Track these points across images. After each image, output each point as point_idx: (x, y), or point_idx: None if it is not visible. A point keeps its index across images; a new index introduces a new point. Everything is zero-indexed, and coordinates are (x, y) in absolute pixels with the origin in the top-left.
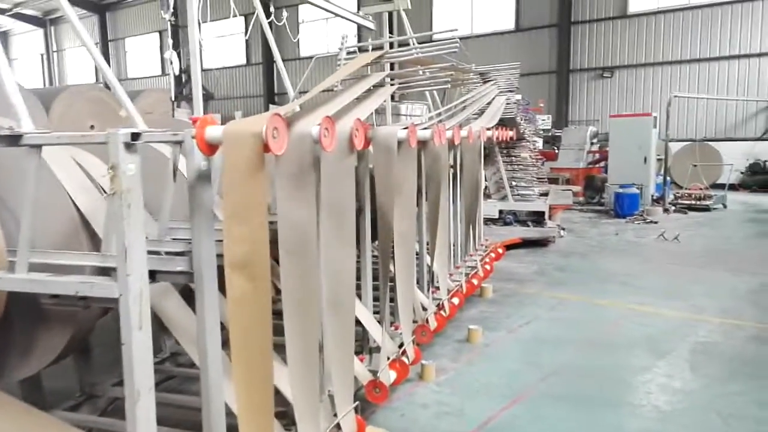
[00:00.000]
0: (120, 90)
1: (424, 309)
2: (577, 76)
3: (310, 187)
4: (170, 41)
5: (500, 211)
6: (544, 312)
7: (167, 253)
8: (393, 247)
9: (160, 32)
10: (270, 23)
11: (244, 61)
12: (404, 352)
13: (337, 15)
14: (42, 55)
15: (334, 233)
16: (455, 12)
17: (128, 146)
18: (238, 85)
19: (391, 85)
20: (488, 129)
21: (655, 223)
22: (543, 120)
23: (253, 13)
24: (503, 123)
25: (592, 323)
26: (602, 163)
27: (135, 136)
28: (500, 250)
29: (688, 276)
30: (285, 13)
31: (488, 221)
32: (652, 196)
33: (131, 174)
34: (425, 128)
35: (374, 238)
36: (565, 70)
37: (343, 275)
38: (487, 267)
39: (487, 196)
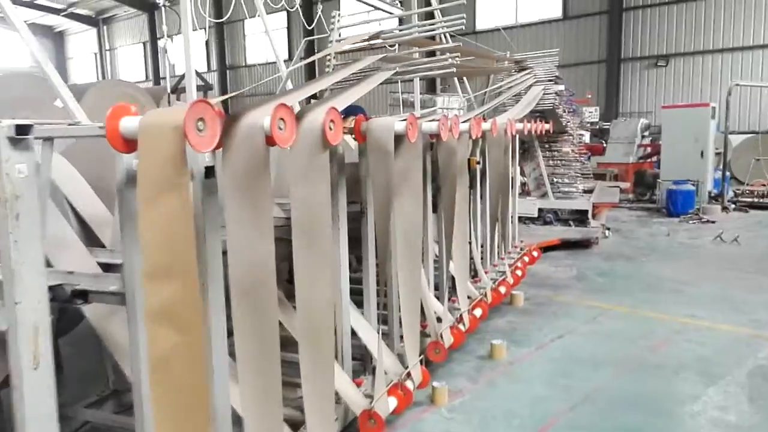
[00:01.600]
0: (55, 76)
1: (440, 320)
2: (628, 66)
3: (263, 197)
4: (165, 28)
5: (540, 210)
6: (581, 324)
7: (109, 267)
8: (389, 254)
9: (206, 29)
10: (311, 19)
11: (285, 56)
12: (409, 375)
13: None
14: (95, 54)
15: (304, 253)
16: (499, 1)
17: (15, 142)
18: (279, 82)
19: (387, 69)
20: (519, 121)
21: (713, 222)
22: (590, 112)
23: (294, 8)
24: (542, 115)
25: (634, 339)
26: (654, 158)
27: (22, 130)
28: (535, 253)
29: (749, 284)
30: (320, 7)
31: (526, 220)
32: (710, 193)
33: (22, 177)
34: (432, 120)
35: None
36: (615, 60)
37: (316, 303)
38: (518, 273)
39: (526, 193)
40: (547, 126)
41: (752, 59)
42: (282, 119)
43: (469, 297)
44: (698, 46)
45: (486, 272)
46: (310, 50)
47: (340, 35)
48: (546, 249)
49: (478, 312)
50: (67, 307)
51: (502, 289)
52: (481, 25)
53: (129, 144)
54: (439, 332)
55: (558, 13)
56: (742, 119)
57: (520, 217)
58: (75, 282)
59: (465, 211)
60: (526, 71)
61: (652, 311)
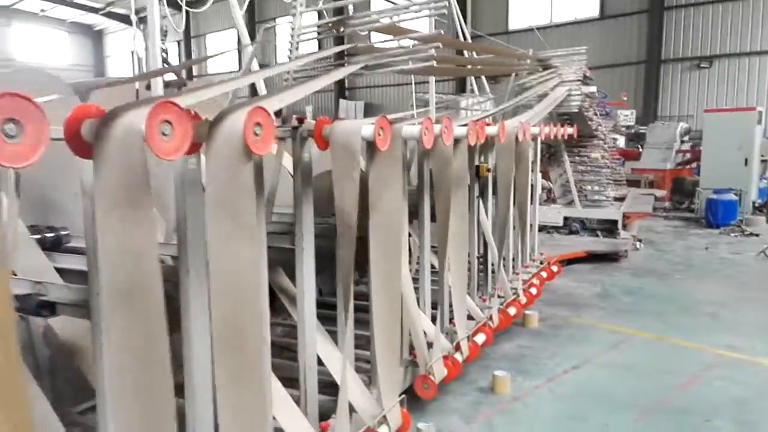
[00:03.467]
0: None
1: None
2: (669, 67)
3: (144, 216)
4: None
5: (565, 218)
6: (600, 352)
7: None
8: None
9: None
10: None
11: None
12: (385, 419)
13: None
14: (133, 52)
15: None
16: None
17: None
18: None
19: (351, 62)
20: (538, 125)
21: (756, 236)
22: (625, 115)
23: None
24: (569, 118)
25: (660, 374)
26: (694, 164)
27: None
28: (554, 268)
29: None
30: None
31: (551, 229)
32: (754, 203)
33: None
34: (415, 124)
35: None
36: (655, 61)
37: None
38: (533, 291)
39: (552, 200)
40: (570, 130)
41: None
42: (168, 121)
43: (472, 318)
44: (744, 47)
45: (497, 289)
46: None
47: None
48: (569, 262)
49: (480, 338)
50: None
51: (512, 311)
52: (513, 24)
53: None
54: (429, 363)
55: (595, 12)
56: None
57: (544, 226)
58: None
59: (464, 225)
60: (550, 71)
61: (683, 339)
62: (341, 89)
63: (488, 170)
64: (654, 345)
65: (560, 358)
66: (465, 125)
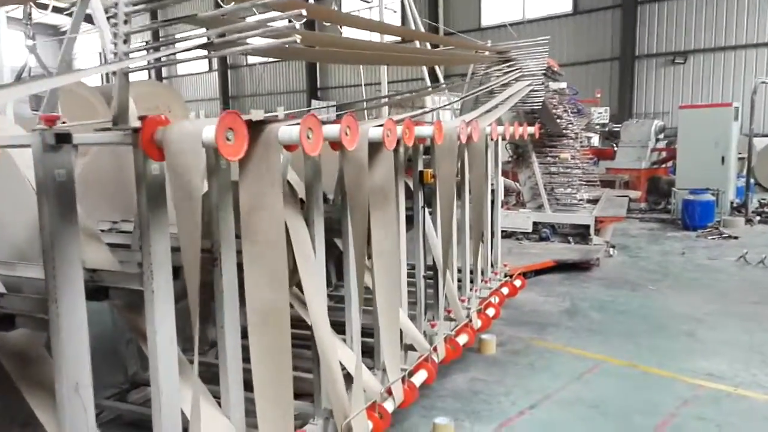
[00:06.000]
0: None
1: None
2: (643, 63)
3: None
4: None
5: (535, 224)
6: (563, 385)
7: None
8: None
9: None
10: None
11: None
12: None
13: None
14: (100, 54)
15: None
16: None
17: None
18: (281, 81)
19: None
20: (489, 124)
21: (735, 238)
22: (599, 113)
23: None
24: (535, 116)
25: (629, 413)
26: (669, 163)
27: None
28: (518, 283)
29: None
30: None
31: (520, 235)
32: (732, 203)
33: None
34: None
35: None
36: (629, 57)
37: None
38: (490, 312)
39: (521, 204)
40: (532, 129)
41: None
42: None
43: (413, 349)
44: (719, 42)
45: (449, 312)
46: None
47: None
48: (538, 272)
49: (420, 376)
50: None
51: (462, 339)
52: (486, 21)
53: None
54: (348, 419)
55: (568, 7)
56: None
57: (513, 232)
58: None
59: (392, 241)
60: (508, 63)
61: (657, 365)
62: (313, 89)
63: (433, 177)
64: (624, 374)
65: (517, 395)
66: (381, 125)
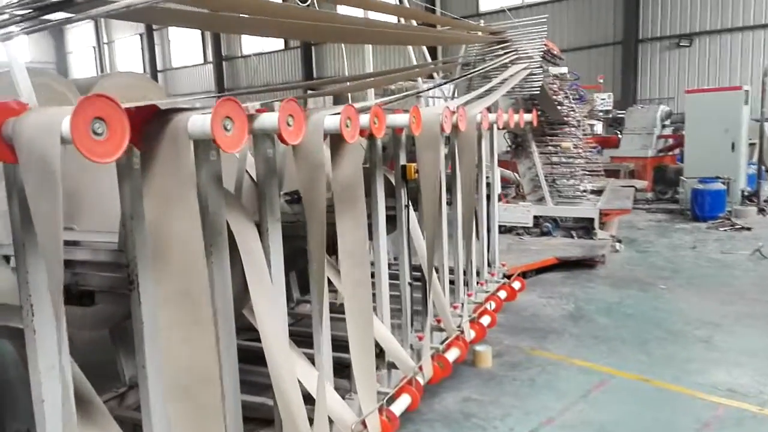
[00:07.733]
0: None
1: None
2: (647, 47)
3: None
4: None
5: (536, 217)
6: (567, 405)
7: None
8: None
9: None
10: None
11: (282, 45)
12: None
13: None
14: (94, 48)
15: None
16: None
17: None
18: (277, 72)
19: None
20: (480, 112)
21: (748, 229)
22: (602, 99)
23: None
24: (534, 102)
25: None
26: (676, 151)
27: None
28: (516, 285)
29: None
30: None
31: (520, 230)
32: (743, 192)
33: None
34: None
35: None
36: (632, 41)
37: None
38: (485, 320)
39: (521, 197)
40: (528, 117)
41: None
42: None
43: (396, 367)
44: (725, 23)
45: (439, 321)
46: None
47: None
48: (539, 270)
49: (402, 402)
50: None
51: (452, 355)
52: (484, 6)
53: None
54: None
55: None
56: None
57: (513, 227)
58: None
59: (361, 244)
60: (503, 45)
61: (671, 380)
62: (309, 80)
63: (417, 172)
64: (635, 391)
65: (515, 418)
66: (337, 114)
